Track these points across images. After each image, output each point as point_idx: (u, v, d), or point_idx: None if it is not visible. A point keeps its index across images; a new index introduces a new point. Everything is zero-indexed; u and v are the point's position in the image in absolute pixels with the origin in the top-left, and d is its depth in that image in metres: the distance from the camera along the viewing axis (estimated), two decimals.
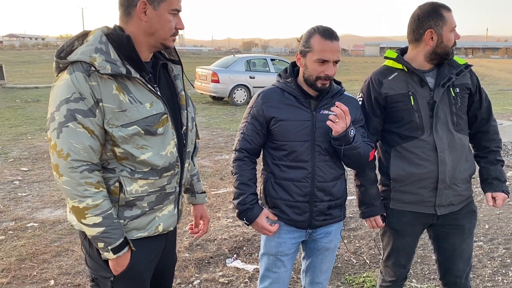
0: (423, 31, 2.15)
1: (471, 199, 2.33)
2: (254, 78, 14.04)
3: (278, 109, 2.07)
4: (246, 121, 2.16)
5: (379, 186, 2.36)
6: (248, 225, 2.13)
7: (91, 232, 1.61)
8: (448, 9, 2.15)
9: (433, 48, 2.16)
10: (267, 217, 2.12)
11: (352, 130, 1.99)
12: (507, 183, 6.07)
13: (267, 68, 14.60)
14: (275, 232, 2.13)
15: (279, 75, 2.20)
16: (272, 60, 15.05)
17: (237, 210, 2.13)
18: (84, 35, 1.66)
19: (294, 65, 2.19)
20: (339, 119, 1.94)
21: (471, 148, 2.30)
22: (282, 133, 2.06)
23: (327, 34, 2.00)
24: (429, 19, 2.13)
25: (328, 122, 1.96)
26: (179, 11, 1.68)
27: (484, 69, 38.28)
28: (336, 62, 2.03)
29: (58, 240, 4.07)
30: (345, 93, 2.19)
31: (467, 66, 2.24)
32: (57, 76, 1.63)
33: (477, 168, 2.36)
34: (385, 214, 2.31)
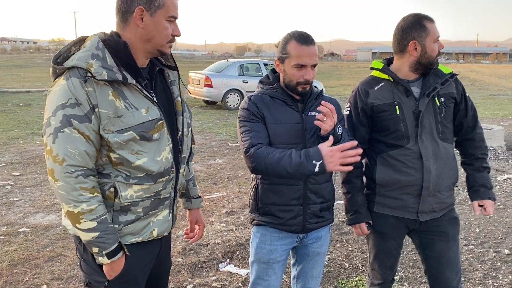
0: (407, 42, 2.20)
1: (452, 207, 2.38)
2: (247, 82, 14.07)
3: (270, 113, 2.08)
4: (248, 120, 2.06)
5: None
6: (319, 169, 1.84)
7: (85, 237, 1.62)
8: (431, 20, 2.20)
9: (417, 59, 2.21)
10: None
11: (339, 128, 2.02)
12: (498, 187, 6.15)
13: (260, 73, 14.64)
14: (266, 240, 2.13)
15: (261, 83, 2.20)
16: (265, 64, 15.11)
17: (309, 161, 1.86)
18: (81, 40, 1.67)
19: (274, 71, 2.21)
20: (326, 117, 1.96)
21: (455, 156, 2.35)
22: (275, 136, 2.07)
23: (303, 39, 2.03)
24: (413, 31, 2.19)
25: (316, 122, 1.98)
26: (175, 18, 1.69)
27: (474, 74, 38.66)
28: (313, 66, 2.05)
29: (50, 245, 4.06)
30: (324, 94, 2.23)
31: (452, 75, 2.29)
32: (53, 81, 1.65)
33: (463, 175, 2.41)
34: (371, 221, 2.35)
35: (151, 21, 1.64)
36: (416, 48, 2.19)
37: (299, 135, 2.07)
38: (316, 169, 1.83)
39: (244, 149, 2.00)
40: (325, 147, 1.84)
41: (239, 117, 2.13)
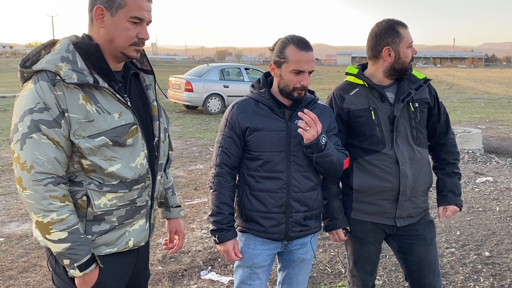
0: (380, 48, 2.20)
1: (427, 211, 2.40)
2: (228, 87, 14.01)
3: (253, 120, 2.05)
4: (223, 133, 2.11)
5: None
6: (216, 243, 2.11)
7: (56, 248, 1.55)
8: (404, 25, 2.21)
9: (391, 64, 2.22)
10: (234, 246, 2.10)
11: (323, 138, 1.99)
12: (478, 189, 6.24)
13: (241, 77, 14.61)
14: (238, 259, 2.12)
15: (252, 86, 2.18)
16: (246, 69, 15.08)
17: (213, 227, 2.09)
18: (52, 44, 1.61)
19: (267, 75, 2.18)
20: (309, 126, 1.93)
21: (430, 161, 2.37)
22: (258, 144, 2.04)
23: (302, 44, 2.00)
24: (386, 36, 2.19)
25: (299, 130, 1.95)
26: (141, 19, 1.61)
27: (452, 78, 39.43)
28: (310, 72, 2.03)
29: (25, 255, 3.92)
30: (318, 102, 2.19)
31: (426, 80, 2.30)
32: (22, 86, 1.58)
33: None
34: (348, 227, 2.32)
35: (111, 21, 1.58)
36: (390, 54, 2.20)
37: (283, 142, 2.04)
38: (216, 238, 2.09)
39: (212, 162, 2.16)
40: (232, 244, 2.09)
41: (221, 121, 2.16)
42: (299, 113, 1.95)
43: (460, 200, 2.38)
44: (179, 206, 2.11)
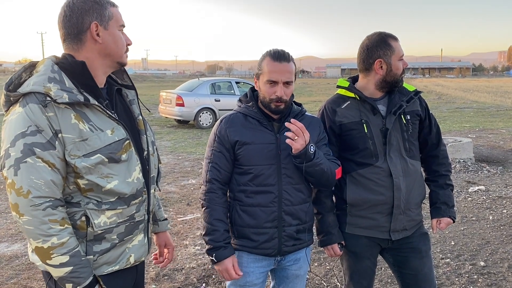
0: (372, 61, 2.21)
1: (421, 223, 2.39)
2: (219, 101, 14.04)
3: (242, 133, 2.04)
4: (212, 148, 2.09)
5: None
6: (214, 263, 2.05)
7: (57, 273, 1.51)
8: (395, 38, 2.23)
9: (383, 77, 2.22)
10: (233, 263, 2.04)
11: (312, 147, 1.98)
12: (470, 198, 6.25)
13: (232, 91, 14.65)
14: (238, 277, 2.05)
15: (240, 101, 2.18)
16: (237, 82, 15.15)
17: (208, 246, 2.04)
18: (32, 66, 1.59)
19: (253, 89, 2.19)
20: (297, 136, 1.92)
21: (422, 173, 2.37)
22: (248, 157, 2.03)
23: (276, 55, 2.01)
24: (378, 49, 2.20)
25: (287, 140, 1.94)
26: (124, 26, 1.69)
27: (441, 88, 39.84)
28: (287, 83, 2.02)
29: (15, 277, 3.84)
30: (306, 113, 2.19)
31: (417, 92, 2.31)
32: (6, 111, 1.55)
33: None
34: (343, 242, 2.30)
35: (106, 34, 1.61)
36: (382, 67, 2.20)
37: (273, 155, 2.03)
38: (213, 257, 2.04)
39: (202, 179, 2.12)
40: (230, 261, 2.03)
41: (209, 137, 2.14)
42: (286, 123, 1.95)
43: (453, 212, 2.38)
44: (166, 219, 2.09)
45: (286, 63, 2.01)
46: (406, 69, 2.35)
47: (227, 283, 2.21)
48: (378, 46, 2.19)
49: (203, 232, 2.08)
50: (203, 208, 2.08)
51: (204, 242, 2.10)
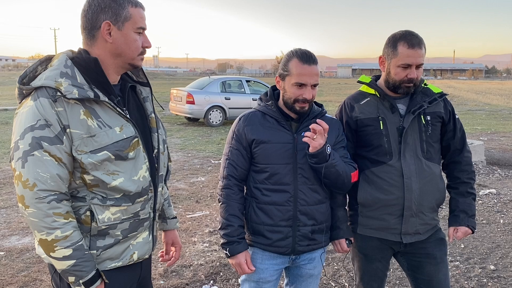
0: (381, 55, 2.21)
1: (438, 228, 2.30)
2: (229, 99, 14.04)
3: (260, 132, 2.05)
4: (230, 145, 2.12)
5: (347, 210, 2.34)
6: (228, 257, 2.08)
7: (61, 265, 1.52)
8: (410, 45, 2.07)
9: (385, 76, 2.20)
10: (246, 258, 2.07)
11: (328, 147, 1.98)
12: (481, 201, 6.19)
13: (243, 90, 14.65)
14: (251, 271, 2.08)
15: (260, 99, 2.19)
16: (247, 81, 15.13)
17: (223, 240, 2.08)
18: (48, 59, 1.60)
19: (274, 88, 2.18)
20: (318, 135, 1.92)
21: (442, 177, 2.29)
22: (264, 156, 2.04)
23: (305, 58, 2.00)
24: (387, 46, 2.17)
25: (305, 139, 1.94)
26: (144, 29, 1.65)
27: (453, 90, 39.47)
28: (314, 85, 2.02)
29: (25, 270, 3.88)
30: (326, 114, 2.19)
31: (442, 95, 2.25)
32: (20, 103, 1.57)
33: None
34: (351, 238, 2.27)
35: (119, 34, 1.60)
36: (384, 65, 2.19)
37: (289, 155, 2.04)
38: (227, 251, 2.07)
39: (220, 175, 2.16)
40: (244, 256, 2.06)
41: (228, 134, 2.18)
42: (311, 126, 1.93)
43: (473, 222, 2.26)
44: (175, 217, 2.10)
45: (314, 66, 2.01)
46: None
47: (241, 278, 2.23)
48: (388, 44, 2.16)
49: (219, 227, 2.11)
50: (220, 204, 2.12)
51: (214, 239, 2.11)
